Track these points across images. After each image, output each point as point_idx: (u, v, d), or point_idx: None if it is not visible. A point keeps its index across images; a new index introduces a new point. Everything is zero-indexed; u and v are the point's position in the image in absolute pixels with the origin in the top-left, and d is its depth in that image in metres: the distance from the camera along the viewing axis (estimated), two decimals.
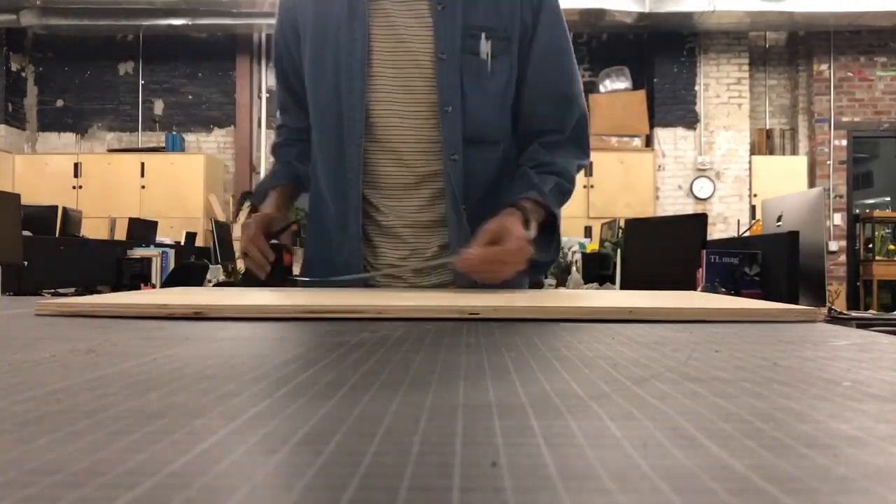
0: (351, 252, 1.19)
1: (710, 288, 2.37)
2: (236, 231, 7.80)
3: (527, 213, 1.07)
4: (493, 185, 1.18)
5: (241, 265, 6.83)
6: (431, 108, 1.14)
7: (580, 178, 1.29)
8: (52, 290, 4.22)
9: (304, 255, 1.33)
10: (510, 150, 1.21)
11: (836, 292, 7.21)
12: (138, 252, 5.50)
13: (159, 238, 6.56)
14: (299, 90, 1.28)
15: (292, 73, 1.29)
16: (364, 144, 1.16)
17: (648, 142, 8.24)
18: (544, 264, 1.19)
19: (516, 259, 0.98)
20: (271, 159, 1.42)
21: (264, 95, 8.79)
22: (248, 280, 1.33)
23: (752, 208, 7.95)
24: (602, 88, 8.22)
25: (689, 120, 8.25)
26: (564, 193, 1.18)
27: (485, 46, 1.14)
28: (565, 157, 1.19)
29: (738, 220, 7.88)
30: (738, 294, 2.33)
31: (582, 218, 7.72)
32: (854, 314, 2.83)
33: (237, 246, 7.30)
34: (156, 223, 6.74)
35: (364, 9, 1.14)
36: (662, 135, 8.23)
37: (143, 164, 8.38)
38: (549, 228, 1.15)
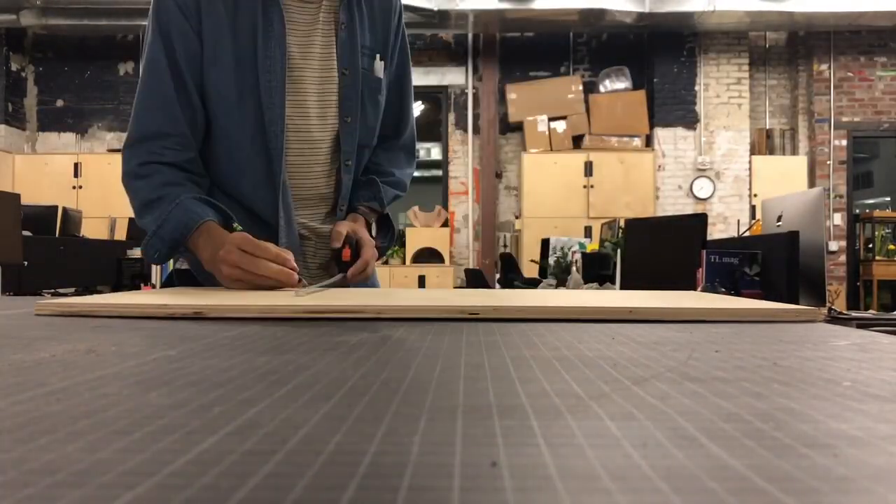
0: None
1: (710, 288, 2.37)
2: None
3: (367, 216, 1.32)
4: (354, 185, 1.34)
5: None
6: (333, 120, 1.25)
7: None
8: (52, 290, 4.23)
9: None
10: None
11: (836, 292, 7.21)
12: (138, 252, 5.49)
13: None
14: (188, 104, 1.16)
15: (194, 79, 1.16)
16: (284, 159, 1.21)
17: (648, 142, 8.25)
18: (384, 249, 1.39)
19: (374, 260, 1.23)
20: (149, 221, 1.12)
21: None
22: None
23: (752, 208, 7.95)
24: (602, 88, 8.22)
25: (689, 120, 8.25)
26: (396, 198, 1.40)
27: (379, 66, 1.28)
28: (401, 169, 1.40)
29: (738, 220, 7.89)
30: (738, 294, 2.33)
31: (582, 218, 7.73)
32: (854, 314, 2.83)
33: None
34: None
35: (279, 28, 1.17)
36: (662, 135, 8.23)
37: None
38: (383, 219, 1.38)
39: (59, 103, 8.93)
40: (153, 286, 5.13)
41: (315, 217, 1.29)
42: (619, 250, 3.74)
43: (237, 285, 1.00)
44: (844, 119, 8.26)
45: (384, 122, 1.34)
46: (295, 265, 1.01)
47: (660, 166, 8.21)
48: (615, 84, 8.20)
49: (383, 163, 1.38)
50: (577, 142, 7.99)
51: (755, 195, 7.98)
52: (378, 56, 1.28)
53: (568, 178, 7.79)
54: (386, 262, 8.57)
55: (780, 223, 2.66)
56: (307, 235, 1.27)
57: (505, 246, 8.25)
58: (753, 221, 5.84)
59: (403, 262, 8.23)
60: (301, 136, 1.23)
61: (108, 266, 5.14)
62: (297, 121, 1.23)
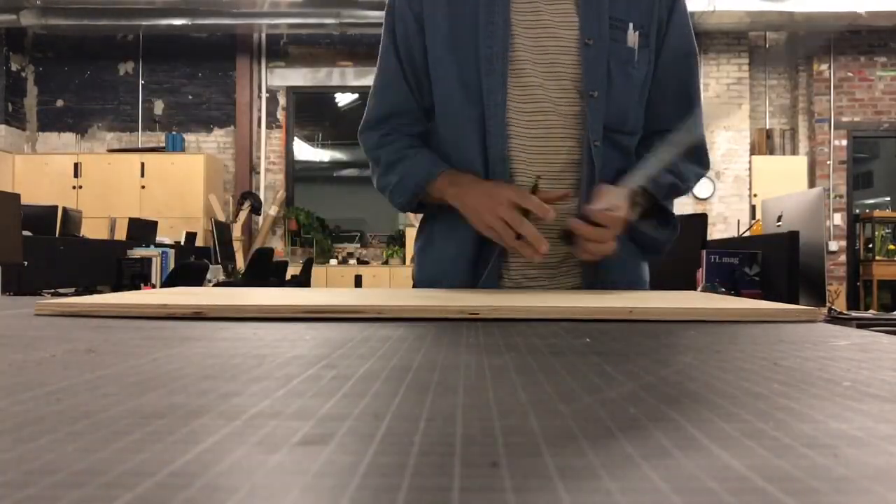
0: (492, 254, 1.14)
1: (710, 288, 2.37)
2: (236, 231, 7.82)
3: (635, 196, 1.10)
4: (620, 180, 1.16)
5: (241, 265, 6.83)
6: (575, 94, 1.13)
7: None
8: (52, 290, 4.23)
9: (420, 259, 1.25)
10: (636, 147, 1.20)
11: (836, 292, 7.21)
12: (138, 252, 5.50)
13: (159, 238, 6.56)
14: (415, 84, 1.20)
15: (410, 63, 1.20)
16: (508, 134, 1.13)
17: None
18: (657, 242, 1.21)
19: (614, 226, 1.04)
20: (393, 177, 1.18)
21: (264, 95, 8.79)
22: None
23: (752, 208, 7.95)
24: None
25: None
26: (676, 195, 1.20)
27: (632, 36, 1.14)
28: (685, 164, 1.18)
29: (738, 220, 7.89)
30: (738, 294, 2.33)
31: None
32: (854, 314, 2.83)
33: (237, 245, 7.30)
34: (156, 223, 6.74)
35: None
36: None
37: (143, 164, 8.39)
38: (660, 213, 1.19)
39: (59, 103, 8.93)
40: (153, 286, 5.14)
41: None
42: None
43: (489, 232, 1.05)
44: (844, 119, 8.26)
45: (660, 114, 1.19)
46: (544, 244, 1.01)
47: None
48: None
49: (666, 150, 1.17)
50: None
51: (755, 195, 7.98)
52: (632, 25, 1.14)
53: None
54: (386, 263, 8.57)
55: (780, 223, 2.66)
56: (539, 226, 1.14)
57: None
58: (753, 221, 5.84)
59: (403, 262, 8.23)
60: (537, 109, 1.13)
61: (108, 266, 5.14)
62: (526, 94, 1.13)
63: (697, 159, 1.22)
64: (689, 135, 1.16)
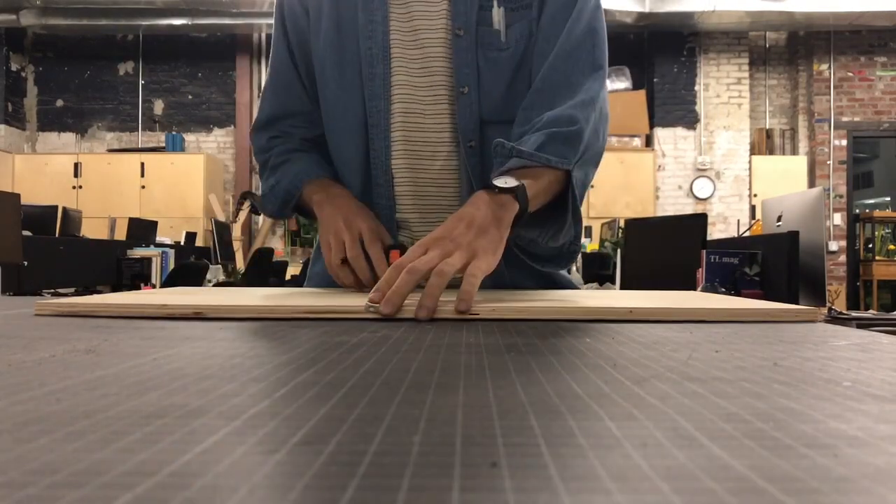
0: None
1: (710, 288, 2.37)
2: (236, 231, 7.82)
3: (499, 199, 0.83)
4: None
5: (241, 265, 6.83)
6: (448, 91, 1.04)
7: None
8: (52, 290, 4.23)
9: (309, 265, 1.20)
10: None
11: (836, 292, 7.21)
12: (138, 252, 5.51)
13: (159, 238, 6.57)
14: (309, 83, 1.13)
15: (303, 60, 1.12)
16: (390, 137, 1.05)
17: (648, 142, 8.25)
18: (559, 249, 0.99)
19: (463, 242, 0.75)
20: (271, 181, 1.11)
21: None
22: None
23: (752, 208, 7.95)
24: None
25: (689, 120, 8.26)
26: (569, 139, 0.92)
27: (497, 15, 1.01)
28: (563, 100, 0.96)
29: (738, 220, 7.89)
30: (738, 294, 2.33)
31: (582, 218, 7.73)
32: (854, 314, 2.83)
33: (237, 245, 7.30)
34: (156, 223, 6.75)
35: None
36: (662, 135, 8.23)
37: (143, 164, 8.39)
38: (561, 204, 0.95)
39: (59, 103, 8.94)
40: (153, 286, 5.14)
41: (429, 215, 1.08)
42: (618, 250, 3.75)
43: (324, 248, 0.97)
44: (844, 119, 8.26)
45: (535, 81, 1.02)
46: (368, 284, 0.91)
47: (660, 166, 8.22)
48: (615, 84, 8.20)
49: (520, 117, 1.00)
50: None
51: (755, 195, 7.99)
52: (496, 2, 1.01)
53: None
54: None
55: (780, 223, 2.66)
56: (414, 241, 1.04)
57: None
58: (753, 221, 5.85)
59: None
60: (409, 115, 1.05)
61: (108, 266, 5.15)
62: (405, 95, 1.05)
63: (574, 81, 0.99)
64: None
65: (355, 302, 0.73)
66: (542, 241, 0.96)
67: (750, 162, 8.22)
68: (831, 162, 8.23)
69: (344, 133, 1.09)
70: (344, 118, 1.08)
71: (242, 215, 8.29)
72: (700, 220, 2.80)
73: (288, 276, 6.86)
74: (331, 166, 1.12)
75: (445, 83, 1.04)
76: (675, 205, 8.14)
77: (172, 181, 8.33)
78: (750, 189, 8.16)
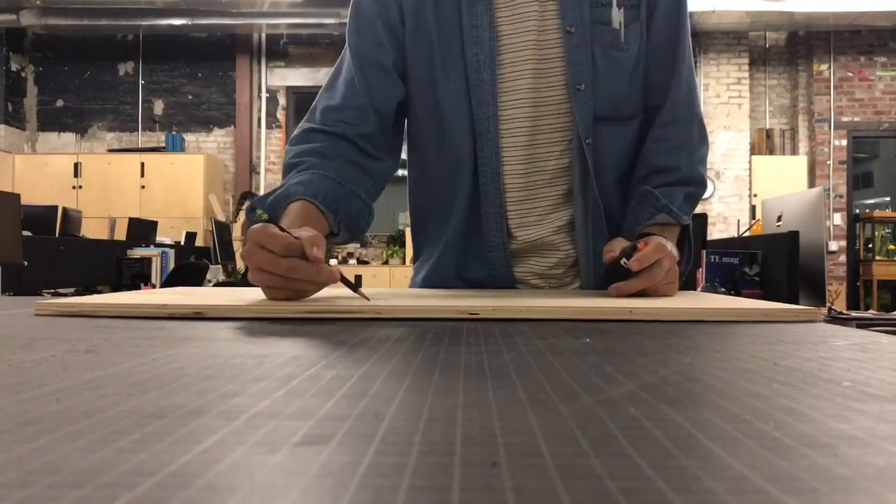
0: (496, 265, 1.08)
1: (710, 288, 2.37)
2: (236, 231, 7.82)
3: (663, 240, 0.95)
4: (627, 167, 1.10)
5: (241, 265, 6.82)
6: (563, 90, 1.04)
7: None
8: (52, 290, 4.23)
9: (416, 273, 1.18)
10: (644, 125, 1.11)
11: (836, 292, 7.21)
12: (138, 252, 5.51)
13: (159, 238, 6.56)
14: (380, 78, 1.08)
15: (392, 51, 1.08)
16: (499, 144, 1.05)
17: None
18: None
19: (670, 284, 0.91)
20: (297, 169, 1.03)
21: (264, 95, 8.80)
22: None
23: (752, 208, 7.95)
24: None
25: None
26: (694, 199, 1.09)
27: (617, 15, 1.04)
28: (689, 152, 1.08)
29: (738, 220, 7.89)
30: (738, 294, 2.33)
31: None
32: (854, 314, 2.83)
33: (237, 245, 7.31)
34: (156, 223, 6.75)
35: None
36: None
37: (142, 164, 8.39)
38: (682, 238, 1.08)
39: (59, 103, 8.94)
40: (153, 286, 5.14)
41: (543, 212, 1.08)
42: None
43: (274, 294, 0.76)
44: (844, 119, 8.26)
45: (652, 89, 1.09)
46: (320, 254, 0.72)
47: None
48: None
49: (657, 155, 1.08)
50: None
51: (755, 195, 7.98)
52: (615, 2, 1.04)
53: None
54: (386, 263, 8.57)
55: (780, 223, 2.66)
56: (526, 242, 1.09)
57: None
58: (753, 221, 5.85)
59: (403, 262, 8.23)
60: (520, 119, 1.05)
61: (108, 266, 5.15)
62: (515, 99, 1.05)
63: (699, 136, 1.11)
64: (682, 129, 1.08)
65: (355, 302, 0.73)
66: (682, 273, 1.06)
67: (750, 162, 8.22)
68: (831, 162, 8.23)
69: (452, 141, 1.07)
70: (453, 125, 1.06)
71: (242, 215, 8.29)
72: (700, 220, 2.80)
73: None
74: (356, 171, 1.04)
75: (559, 82, 1.05)
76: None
77: (172, 181, 8.33)
78: (750, 189, 8.16)
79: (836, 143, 8.24)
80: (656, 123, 1.09)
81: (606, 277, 0.94)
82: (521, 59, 1.05)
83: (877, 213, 8.06)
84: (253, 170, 8.78)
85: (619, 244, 0.92)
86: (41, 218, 5.26)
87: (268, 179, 8.78)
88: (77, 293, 4.28)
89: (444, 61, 1.06)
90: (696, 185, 1.09)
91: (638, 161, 1.10)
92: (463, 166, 1.07)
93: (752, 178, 8.19)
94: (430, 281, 1.15)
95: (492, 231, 1.08)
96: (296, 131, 1.10)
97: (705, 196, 8.14)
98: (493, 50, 1.04)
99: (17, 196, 4.09)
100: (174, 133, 8.73)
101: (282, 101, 8.82)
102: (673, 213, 1.04)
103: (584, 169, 1.06)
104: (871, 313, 3.34)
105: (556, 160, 1.07)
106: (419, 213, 1.19)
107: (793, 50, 8.51)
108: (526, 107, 1.06)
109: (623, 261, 0.88)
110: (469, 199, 1.08)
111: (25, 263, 3.98)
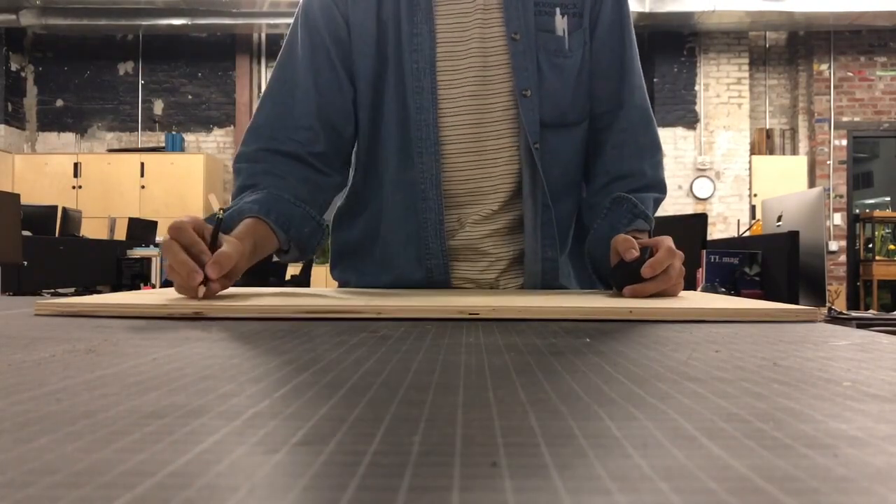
0: (434, 270, 1.08)
1: (710, 288, 2.37)
2: None
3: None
4: (574, 172, 1.12)
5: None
6: (507, 96, 1.05)
7: None
8: (52, 290, 4.23)
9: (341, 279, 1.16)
10: (591, 132, 1.13)
11: (836, 292, 7.21)
12: (138, 252, 5.51)
13: (159, 238, 6.56)
14: (332, 93, 1.08)
15: (340, 63, 1.08)
16: (439, 151, 1.05)
17: None
18: None
19: (676, 285, 0.91)
20: (252, 190, 1.02)
21: None
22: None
23: (752, 208, 7.95)
24: None
25: (689, 120, 8.25)
26: (658, 204, 1.12)
27: (560, 23, 1.06)
28: (652, 158, 1.11)
29: (738, 220, 7.89)
30: (738, 294, 2.33)
31: None
32: (854, 314, 2.83)
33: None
34: (155, 223, 6.75)
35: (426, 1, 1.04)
36: (662, 134, 8.22)
37: (142, 164, 8.39)
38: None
39: (59, 103, 8.93)
40: (153, 286, 5.14)
41: (487, 216, 1.08)
42: None
43: (173, 275, 0.78)
44: (844, 119, 8.26)
45: (600, 96, 1.11)
46: (213, 274, 0.76)
47: None
48: None
49: (621, 160, 1.10)
50: None
51: (755, 195, 7.98)
52: (559, 10, 1.06)
53: None
54: None
55: (780, 223, 2.66)
56: (480, 237, 1.09)
57: None
58: (753, 221, 5.85)
59: None
60: (464, 126, 1.06)
61: (108, 266, 5.15)
62: (456, 106, 1.05)
63: (652, 146, 1.13)
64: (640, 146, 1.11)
65: (355, 302, 0.73)
66: None
67: (750, 162, 8.22)
68: (831, 162, 8.23)
69: (387, 148, 1.07)
70: (394, 132, 1.06)
71: None
72: (700, 220, 2.80)
73: (288, 276, 6.86)
74: (310, 188, 1.05)
75: (505, 89, 1.05)
76: (675, 205, 8.13)
77: (172, 181, 8.33)
78: (750, 189, 8.16)
79: (836, 142, 8.24)
80: (614, 129, 1.11)
81: (613, 277, 0.94)
82: (464, 66, 1.05)
83: (877, 213, 8.06)
84: None
85: (628, 243, 0.91)
86: (41, 218, 5.26)
87: None
88: (77, 293, 4.28)
89: (384, 70, 1.06)
90: (660, 190, 1.12)
91: (596, 166, 1.12)
92: (404, 173, 1.07)
93: (752, 178, 8.19)
94: (365, 282, 1.14)
95: (430, 238, 1.07)
96: (244, 147, 1.07)
97: (705, 196, 8.13)
98: (434, 57, 1.04)
99: (17, 196, 4.09)
100: (174, 133, 8.73)
101: None
102: (648, 219, 1.06)
103: (533, 173, 1.06)
104: (871, 313, 3.34)
105: (503, 166, 1.08)
106: (349, 216, 1.17)
107: (793, 50, 8.51)
108: (469, 113, 1.06)
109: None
110: (405, 205, 1.08)
111: (25, 263, 3.98)
